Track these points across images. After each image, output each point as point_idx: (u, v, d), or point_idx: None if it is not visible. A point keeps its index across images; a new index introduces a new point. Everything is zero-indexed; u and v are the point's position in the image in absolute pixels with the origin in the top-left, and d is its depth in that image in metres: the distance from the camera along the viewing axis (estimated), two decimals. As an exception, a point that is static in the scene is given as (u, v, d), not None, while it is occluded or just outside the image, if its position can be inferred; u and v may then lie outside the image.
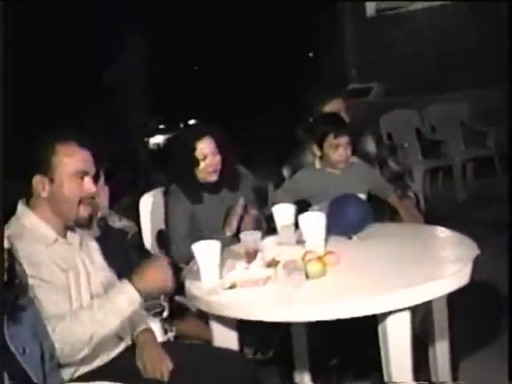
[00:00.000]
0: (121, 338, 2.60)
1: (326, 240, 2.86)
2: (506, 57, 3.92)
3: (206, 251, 2.64)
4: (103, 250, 2.70)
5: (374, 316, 2.41)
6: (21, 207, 2.47)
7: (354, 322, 2.42)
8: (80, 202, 2.47)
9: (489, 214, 6.84)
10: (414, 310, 2.48)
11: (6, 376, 1.84)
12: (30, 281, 2.18)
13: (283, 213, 3.12)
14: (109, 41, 9.60)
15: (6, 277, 1.92)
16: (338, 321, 2.34)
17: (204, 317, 2.92)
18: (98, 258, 2.64)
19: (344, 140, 3.50)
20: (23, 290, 2.03)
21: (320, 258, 2.63)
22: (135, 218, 3.52)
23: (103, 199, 3.26)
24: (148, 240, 3.49)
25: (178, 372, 2.46)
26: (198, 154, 3.46)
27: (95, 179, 2.56)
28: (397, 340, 2.41)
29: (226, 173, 3.54)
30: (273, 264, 2.66)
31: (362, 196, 3.39)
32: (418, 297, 2.35)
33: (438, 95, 8.61)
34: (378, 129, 7.64)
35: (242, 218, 3.52)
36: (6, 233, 2.18)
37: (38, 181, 2.43)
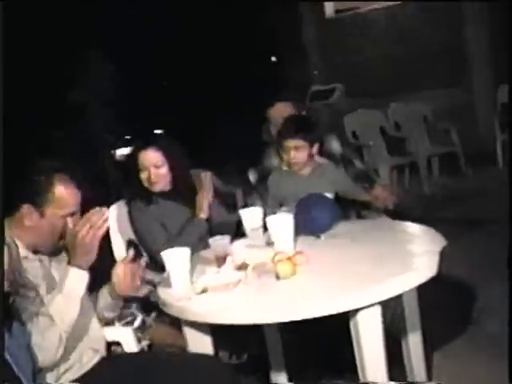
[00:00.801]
0: (96, 351, 2.60)
1: (295, 240, 2.88)
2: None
3: (175, 258, 2.64)
4: None
5: (346, 314, 2.44)
6: None
7: (328, 321, 2.45)
8: (60, 238, 2.50)
9: (454, 210, 6.93)
10: (385, 307, 2.52)
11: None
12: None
13: (251, 216, 3.13)
14: (71, 58, 9.56)
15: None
16: (312, 320, 2.35)
17: (176, 323, 2.93)
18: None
19: (293, 143, 3.52)
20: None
21: (289, 259, 2.64)
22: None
23: None
24: (119, 251, 3.47)
25: (156, 382, 2.46)
26: (140, 164, 3.45)
27: None
28: (369, 335, 2.44)
29: (177, 184, 3.52)
30: (243, 267, 2.68)
31: (329, 195, 3.41)
32: (387, 292, 2.37)
33: (401, 96, 8.72)
34: (342, 129, 7.71)
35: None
36: None
37: (26, 211, 2.42)
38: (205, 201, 3.47)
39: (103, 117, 10.07)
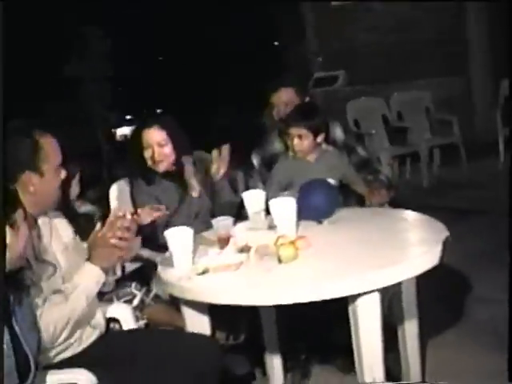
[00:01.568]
0: (94, 327, 2.61)
1: (297, 225, 2.90)
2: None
3: (178, 238, 2.65)
4: None
5: (344, 300, 2.45)
6: None
7: (326, 305, 2.46)
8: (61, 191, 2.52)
9: (451, 200, 6.96)
10: (384, 294, 2.53)
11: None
12: None
13: (254, 199, 3.15)
14: (69, 33, 9.51)
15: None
16: (309, 305, 2.37)
17: (175, 303, 2.93)
18: (68, 238, 2.64)
19: (296, 131, 3.53)
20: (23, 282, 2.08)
21: (291, 243, 2.65)
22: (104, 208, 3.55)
23: (74, 193, 3.33)
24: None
25: (148, 359, 2.48)
26: (144, 142, 3.47)
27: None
28: (367, 321, 2.45)
29: (180, 164, 3.54)
30: (245, 249, 2.69)
31: (332, 181, 3.41)
32: (388, 279, 2.39)
33: (402, 84, 8.72)
34: (344, 116, 7.71)
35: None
36: None
37: (27, 177, 2.42)
38: (193, 179, 3.52)
39: (100, 93, 10.04)
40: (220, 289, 2.47)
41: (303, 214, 2.99)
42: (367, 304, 2.43)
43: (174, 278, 2.61)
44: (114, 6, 10.59)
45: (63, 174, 2.52)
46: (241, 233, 2.83)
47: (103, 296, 2.97)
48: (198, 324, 2.79)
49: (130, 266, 3.37)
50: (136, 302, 3.22)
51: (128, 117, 13.43)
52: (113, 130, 11.76)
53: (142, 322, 3.17)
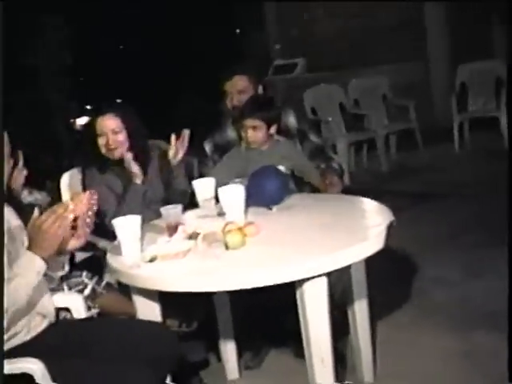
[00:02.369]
0: (44, 316, 2.61)
1: (247, 212, 2.92)
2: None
3: (125, 226, 2.66)
4: None
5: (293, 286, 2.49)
6: None
7: (278, 290, 2.50)
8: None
9: (409, 185, 7.07)
10: (334, 279, 2.57)
11: None
12: None
13: (204, 186, 3.17)
14: (27, 21, 9.38)
15: None
16: (262, 291, 2.40)
17: (126, 292, 2.95)
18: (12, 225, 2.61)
19: (251, 123, 3.55)
20: None
21: (239, 229, 2.67)
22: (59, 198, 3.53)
23: (18, 181, 3.30)
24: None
25: (102, 348, 2.48)
26: (98, 129, 3.50)
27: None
28: (314, 305, 2.49)
29: (134, 152, 3.55)
30: (194, 236, 2.70)
31: (282, 168, 3.44)
32: (332, 263, 2.42)
33: (360, 70, 8.77)
34: (301, 104, 7.74)
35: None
36: None
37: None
38: (134, 166, 3.51)
39: (59, 82, 9.93)
40: (168, 276, 2.48)
41: (253, 200, 3.01)
42: (314, 288, 2.46)
43: (122, 265, 2.62)
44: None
45: (10, 162, 2.52)
46: (190, 220, 2.85)
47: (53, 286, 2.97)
48: (148, 312, 2.81)
49: (81, 255, 3.37)
50: (87, 291, 3.23)
51: (88, 107, 13.33)
52: (72, 120, 11.65)
53: (94, 311, 3.18)
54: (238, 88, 3.88)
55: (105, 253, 3.02)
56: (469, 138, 8.23)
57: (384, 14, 9.22)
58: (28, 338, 2.50)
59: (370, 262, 2.79)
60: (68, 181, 3.60)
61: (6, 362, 2.26)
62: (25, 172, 3.41)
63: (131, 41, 12.47)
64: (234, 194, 2.87)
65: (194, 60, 11.55)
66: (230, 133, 3.95)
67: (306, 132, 4.01)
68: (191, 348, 3.33)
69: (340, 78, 8.52)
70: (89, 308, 3.02)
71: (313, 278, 2.42)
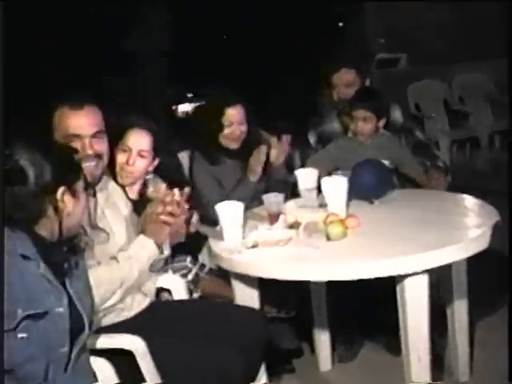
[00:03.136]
0: (145, 295, 2.68)
1: (348, 204, 2.91)
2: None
3: (229, 212, 2.70)
4: None
5: (393, 280, 2.47)
6: None
7: (379, 285, 2.49)
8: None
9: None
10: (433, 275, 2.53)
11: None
12: None
13: (306, 177, 3.17)
14: (131, 8, 9.58)
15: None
16: (361, 283, 2.39)
17: (227, 277, 2.98)
18: (124, 208, 2.72)
19: (361, 114, 3.54)
20: (79, 245, 2.15)
21: (341, 221, 2.67)
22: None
23: None
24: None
25: (195, 328, 2.55)
26: (225, 120, 3.52)
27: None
28: (414, 301, 2.46)
29: (247, 142, 3.59)
30: (295, 226, 2.72)
31: (386, 162, 3.41)
32: (435, 260, 2.40)
33: (463, 65, 8.56)
34: (405, 99, 7.64)
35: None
36: None
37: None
38: (258, 165, 3.53)
39: (159, 70, 10.10)
40: (268, 263, 2.51)
41: (355, 193, 3.00)
42: (415, 285, 2.44)
43: (223, 251, 2.66)
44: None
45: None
46: (291, 209, 2.86)
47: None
48: (247, 297, 2.84)
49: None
50: (191, 276, 3.27)
51: (189, 94, 13.50)
52: (174, 107, 11.85)
53: (195, 295, 3.23)
54: (346, 81, 3.87)
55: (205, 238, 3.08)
56: None
57: (488, 7, 8.96)
58: (130, 315, 2.58)
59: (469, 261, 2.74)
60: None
61: (106, 336, 2.35)
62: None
63: (234, 30, 12.55)
64: (337, 185, 2.86)
65: (295, 52, 11.54)
66: (335, 124, 3.94)
67: (412, 128, 3.97)
68: (284, 335, 3.36)
69: (443, 74, 8.35)
70: (191, 292, 3.07)
71: (414, 274, 2.40)
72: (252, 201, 3.40)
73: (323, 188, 2.92)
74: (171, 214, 2.55)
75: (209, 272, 3.33)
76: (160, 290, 2.86)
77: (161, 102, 10.36)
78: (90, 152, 2.52)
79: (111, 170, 2.91)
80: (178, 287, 2.88)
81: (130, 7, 9.64)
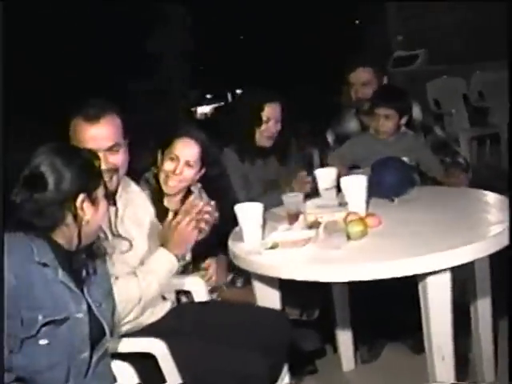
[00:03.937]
0: (165, 299, 2.67)
1: (368, 202, 2.88)
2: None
3: (248, 213, 2.68)
4: None
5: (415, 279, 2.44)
6: None
7: (397, 286, 2.46)
8: None
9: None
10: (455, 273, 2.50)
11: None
12: None
13: (325, 176, 3.16)
14: (152, 11, 9.60)
15: None
16: (382, 283, 2.36)
17: (249, 286, 2.94)
18: (144, 214, 2.70)
19: (383, 111, 3.52)
20: (99, 251, 2.14)
21: (361, 220, 2.65)
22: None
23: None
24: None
25: (217, 331, 2.54)
26: (264, 115, 3.54)
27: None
28: (437, 300, 2.43)
29: (280, 142, 3.61)
30: (314, 225, 2.69)
31: (406, 160, 3.38)
32: (459, 258, 2.36)
33: (483, 63, 8.50)
34: (423, 96, 7.59)
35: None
36: None
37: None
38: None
39: (180, 70, 10.11)
40: (287, 264, 2.48)
41: (375, 191, 2.97)
42: (437, 283, 2.40)
43: (243, 251, 2.64)
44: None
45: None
46: (311, 209, 2.84)
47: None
48: (268, 299, 2.82)
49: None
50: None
51: (208, 96, 13.53)
52: (193, 109, 11.86)
53: (214, 296, 3.21)
54: (363, 80, 3.86)
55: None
56: None
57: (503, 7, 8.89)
58: (151, 321, 2.58)
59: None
60: None
61: (127, 341, 2.35)
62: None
63: (251, 31, 12.56)
64: (357, 184, 2.83)
65: (314, 52, 11.52)
66: (353, 124, 3.92)
67: (431, 125, 3.94)
68: (308, 337, 3.34)
69: (461, 72, 8.29)
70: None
71: (437, 272, 2.37)
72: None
73: (343, 187, 2.90)
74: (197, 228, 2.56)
75: (230, 282, 3.28)
76: (179, 292, 2.85)
77: (183, 105, 10.39)
78: (104, 167, 2.42)
79: (156, 177, 2.98)
80: (198, 289, 2.86)
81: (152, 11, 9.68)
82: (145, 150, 3.17)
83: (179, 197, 3.01)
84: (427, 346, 2.52)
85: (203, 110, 12.91)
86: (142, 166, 3.11)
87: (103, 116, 2.50)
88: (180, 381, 2.34)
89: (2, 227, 1.88)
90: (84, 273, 2.04)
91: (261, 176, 3.62)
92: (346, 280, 2.47)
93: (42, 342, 1.87)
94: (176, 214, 2.66)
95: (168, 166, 2.96)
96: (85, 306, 1.98)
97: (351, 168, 3.51)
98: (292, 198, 2.91)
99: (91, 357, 2.00)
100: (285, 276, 2.51)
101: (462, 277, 2.94)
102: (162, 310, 2.64)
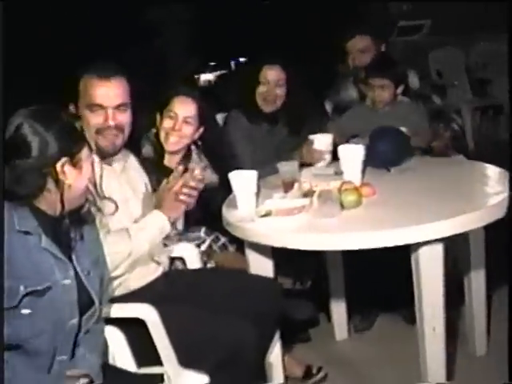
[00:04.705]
0: (158, 263, 2.66)
1: (364, 172, 2.87)
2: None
3: (242, 180, 2.67)
4: None
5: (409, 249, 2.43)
6: None
7: (390, 256, 2.45)
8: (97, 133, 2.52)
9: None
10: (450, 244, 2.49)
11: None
12: None
13: (320, 141, 3.15)
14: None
15: None
16: (374, 254, 2.36)
17: (242, 252, 2.94)
18: (138, 181, 2.69)
19: (378, 82, 3.49)
20: (89, 216, 2.12)
21: (356, 189, 2.63)
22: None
23: None
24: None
25: (209, 297, 2.53)
26: (262, 76, 3.49)
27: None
28: (429, 271, 2.43)
29: (288, 109, 3.55)
30: (309, 194, 2.67)
31: (404, 129, 3.36)
32: (452, 228, 2.34)
33: (485, 36, 8.42)
34: (426, 66, 7.54)
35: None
36: None
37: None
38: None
39: (180, 41, 10.05)
40: (281, 232, 2.47)
41: (371, 160, 2.96)
42: (429, 254, 2.40)
43: (236, 219, 2.63)
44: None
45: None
46: (306, 177, 2.83)
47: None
48: (261, 267, 2.81)
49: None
50: (204, 246, 3.25)
51: (212, 63, 13.45)
52: (196, 76, 11.79)
53: (208, 266, 3.21)
54: (360, 47, 3.84)
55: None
56: None
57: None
58: (142, 284, 2.57)
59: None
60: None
61: (118, 306, 2.34)
62: None
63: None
64: (354, 153, 2.82)
65: (313, 21, 11.41)
66: (352, 92, 3.90)
67: (428, 94, 3.92)
68: (300, 306, 3.34)
69: (464, 42, 8.22)
70: (204, 263, 3.04)
71: (429, 242, 2.36)
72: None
73: (340, 156, 2.89)
74: (189, 193, 2.53)
75: (222, 246, 3.29)
76: (173, 259, 2.85)
77: (184, 72, 10.32)
78: (111, 123, 2.50)
79: (156, 137, 3.08)
80: (191, 256, 2.86)
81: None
82: (145, 116, 3.19)
83: (179, 156, 3.10)
84: (418, 316, 2.52)
85: (207, 77, 12.84)
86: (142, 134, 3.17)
87: (114, 76, 2.55)
88: (171, 349, 2.33)
89: (2, 226, 1.85)
90: (71, 239, 2.01)
91: (268, 142, 3.56)
92: (338, 249, 2.47)
93: (24, 311, 1.85)
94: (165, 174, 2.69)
95: (167, 123, 3.08)
96: (72, 273, 1.95)
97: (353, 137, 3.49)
98: (287, 167, 2.89)
99: (80, 324, 1.99)
100: (277, 244, 2.50)
101: (457, 248, 2.95)
102: (153, 273, 2.62)
